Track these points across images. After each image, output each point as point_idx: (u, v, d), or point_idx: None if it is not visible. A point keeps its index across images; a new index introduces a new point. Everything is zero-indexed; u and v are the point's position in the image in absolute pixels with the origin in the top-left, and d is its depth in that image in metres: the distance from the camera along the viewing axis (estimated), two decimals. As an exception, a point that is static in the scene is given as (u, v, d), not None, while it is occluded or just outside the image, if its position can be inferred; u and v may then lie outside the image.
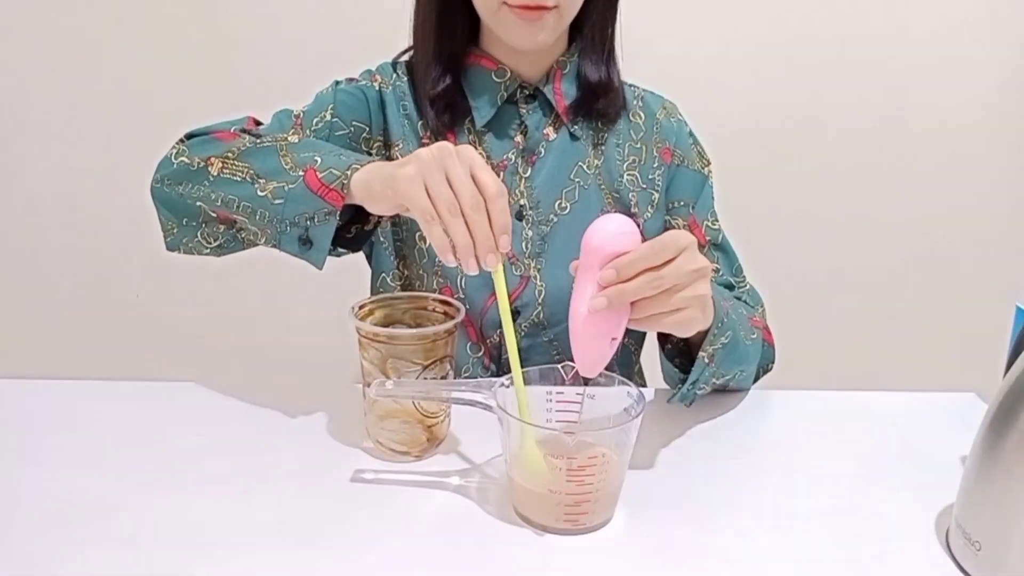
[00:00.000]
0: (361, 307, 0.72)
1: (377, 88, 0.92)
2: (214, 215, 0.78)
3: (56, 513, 0.62)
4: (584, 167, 0.93)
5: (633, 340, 1.00)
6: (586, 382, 0.64)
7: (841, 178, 1.69)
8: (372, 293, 0.96)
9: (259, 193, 0.73)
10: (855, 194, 1.71)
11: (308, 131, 0.87)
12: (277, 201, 0.72)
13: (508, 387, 0.64)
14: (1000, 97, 1.67)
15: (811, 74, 1.62)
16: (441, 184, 0.62)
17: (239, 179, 0.75)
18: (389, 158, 0.91)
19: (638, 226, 0.64)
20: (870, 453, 0.76)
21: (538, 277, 0.90)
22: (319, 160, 0.72)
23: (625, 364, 0.99)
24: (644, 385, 1.01)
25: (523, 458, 0.62)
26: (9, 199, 1.67)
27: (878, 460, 0.74)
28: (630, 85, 0.97)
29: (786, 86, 1.62)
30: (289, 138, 0.79)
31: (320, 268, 0.75)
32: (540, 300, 0.90)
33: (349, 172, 0.70)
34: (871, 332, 1.79)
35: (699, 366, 0.74)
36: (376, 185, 0.68)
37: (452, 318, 0.69)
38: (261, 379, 0.87)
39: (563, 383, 0.67)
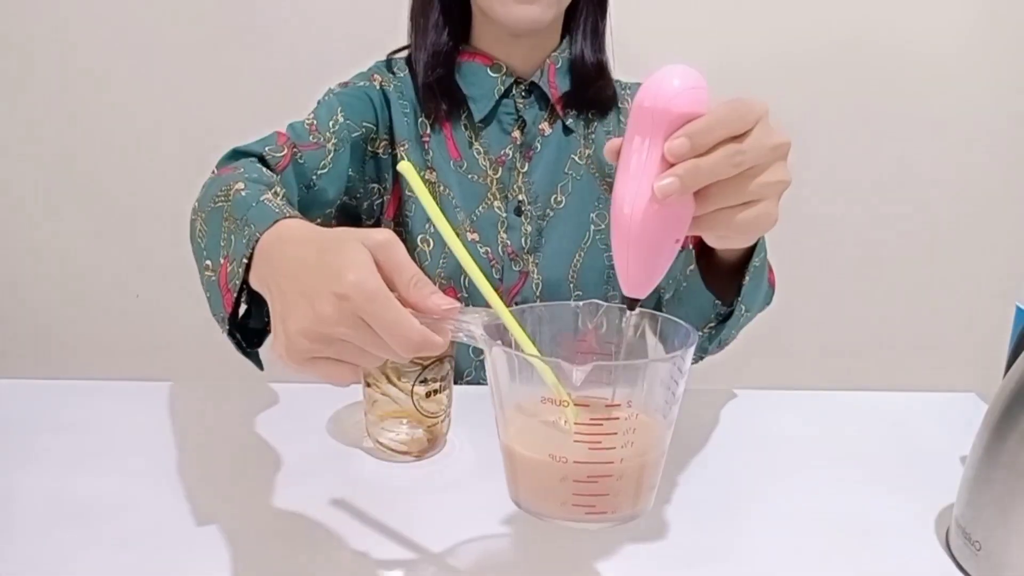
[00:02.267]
0: (361, 307, 0.71)
1: (379, 87, 0.92)
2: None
3: (56, 513, 0.62)
4: (576, 159, 0.93)
5: None
6: (633, 306, 0.48)
7: (840, 177, 1.69)
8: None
9: (203, 277, 0.63)
10: (854, 193, 1.71)
11: (328, 134, 0.86)
12: (207, 294, 0.63)
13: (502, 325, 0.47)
14: (1000, 96, 1.66)
15: (808, 71, 1.62)
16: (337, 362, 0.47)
17: (201, 246, 0.65)
18: (394, 157, 0.92)
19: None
20: (870, 453, 0.75)
21: (535, 272, 0.91)
22: (232, 244, 0.58)
23: None
24: None
25: (517, 406, 0.46)
26: (8, 198, 1.67)
27: (878, 460, 0.74)
28: (617, 80, 0.98)
29: (783, 84, 1.62)
30: (236, 187, 0.65)
31: (261, 369, 0.63)
32: (538, 294, 0.91)
33: (241, 270, 0.56)
34: (871, 332, 1.79)
35: (745, 285, 0.63)
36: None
37: (452, 319, 0.69)
38: (261, 379, 0.87)
39: (584, 331, 0.50)
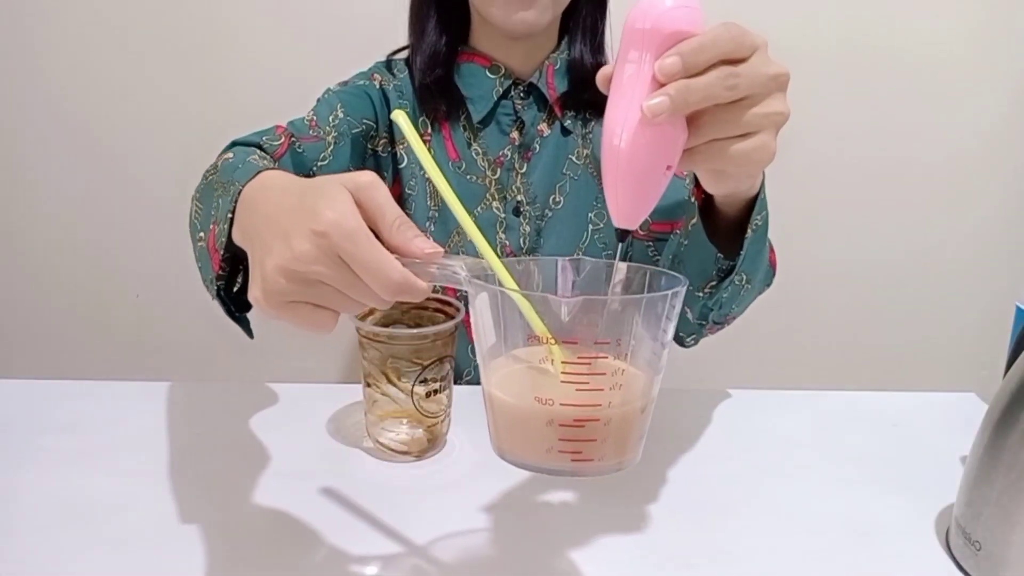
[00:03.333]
0: (361, 307, 0.71)
1: (379, 86, 0.93)
2: None
3: (56, 513, 0.62)
4: (574, 159, 0.94)
5: None
6: (624, 237, 0.46)
7: (840, 177, 1.69)
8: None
9: (195, 249, 0.63)
10: (854, 193, 1.71)
11: (328, 127, 0.86)
12: (198, 264, 0.62)
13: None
14: (1000, 97, 1.66)
15: (809, 71, 1.62)
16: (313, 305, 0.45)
17: (197, 224, 0.65)
18: (394, 155, 0.92)
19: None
20: (870, 453, 0.75)
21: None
22: (220, 207, 0.57)
23: None
24: None
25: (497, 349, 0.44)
26: (9, 199, 1.67)
27: (878, 460, 0.74)
28: None
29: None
30: (224, 157, 0.66)
31: (251, 337, 0.61)
32: None
33: (226, 227, 0.54)
34: (871, 332, 1.79)
35: (746, 245, 0.61)
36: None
37: (452, 318, 0.69)
38: (261, 379, 0.87)
39: (571, 286, 0.49)
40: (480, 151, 0.92)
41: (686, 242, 0.68)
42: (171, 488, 0.66)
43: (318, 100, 0.91)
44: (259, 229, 0.47)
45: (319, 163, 0.85)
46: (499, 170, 0.92)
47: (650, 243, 0.90)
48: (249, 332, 0.61)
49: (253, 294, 0.45)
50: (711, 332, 0.79)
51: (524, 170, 0.92)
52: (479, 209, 0.91)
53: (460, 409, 0.74)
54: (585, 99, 0.94)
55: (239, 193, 0.53)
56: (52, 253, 1.70)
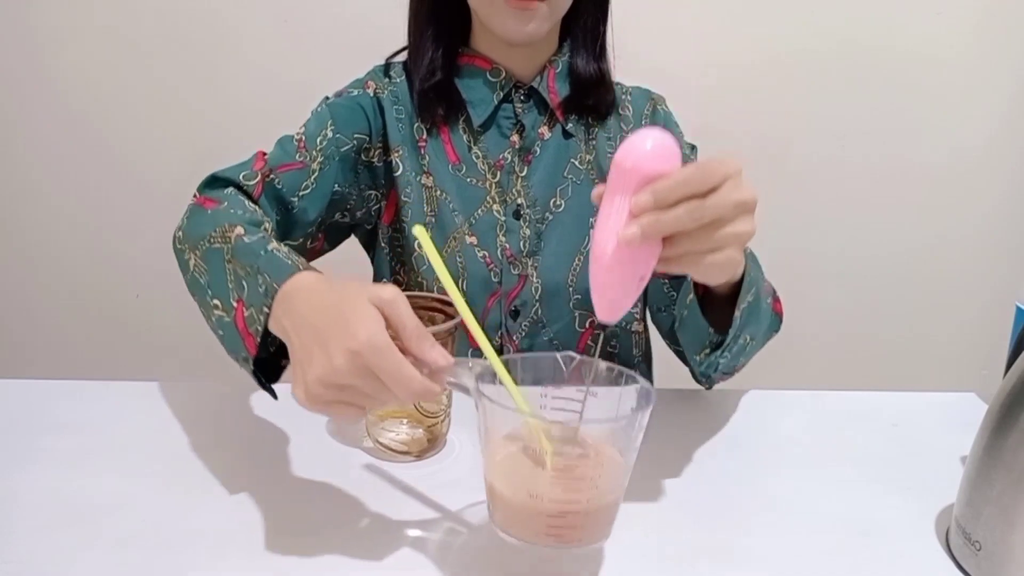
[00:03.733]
0: (361, 307, 0.71)
1: (372, 94, 0.92)
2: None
3: (56, 513, 0.62)
4: (576, 163, 0.93)
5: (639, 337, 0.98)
6: (603, 329, 0.57)
7: (840, 177, 1.69)
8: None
9: (212, 315, 0.68)
10: (854, 193, 1.71)
11: (315, 151, 0.86)
12: (219, 332, 0.67)
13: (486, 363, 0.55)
14: (1000, 97, 1.66)
15: (809, 71, 1.62)
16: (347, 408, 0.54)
17: (202, 283, 0.70)
18: (389, 163, 0.92)
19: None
20: (870, 453, 0.76)
21: (535, 275, 0.91)
22: (246, 289, 0.64)
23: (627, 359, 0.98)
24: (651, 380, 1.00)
25: (500, 450, 0.53)
26: (9, 199, 1.67)
27: (878, 460, 0.74)
28: (617, 83, 0.98)
29: (783, 85, 1.62)
30: (235, 231, 0.69)
31: (275, 398, 0.68)
32: (538, 298, 0.91)
33: (263, 317, 0.61)
34: (871, 332, 1.79)
35: (735, 325, 0.67)
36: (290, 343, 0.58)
37: (452, 318, 0.69)
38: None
39: (561, 379, 0.58)
40: (480, 154, 0.92)
41: (685, 312, 0.73)
42: (171, 488, 0.66)
43: (313, 112, 0.90)
44: (300, 335, 0.55)
45: (300, 192, 0.85)
46: (499, 173, 0.92)
47: (666, 281, 0.91)
48: (274, 395, 0.68)
49: (297, 394, 0.54)
50: (721, 380, 0.81)
51: (524, 173, 0.92)
52: (479, 212, 0.91)
53: (460, 409, 0.74)
54: (588, 105, 0.93)
55: (275, 292, 0.60)
56: (52, 253, 1.70)
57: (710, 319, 0.71)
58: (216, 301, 0.67)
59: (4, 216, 1.68)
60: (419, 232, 0.58)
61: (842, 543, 0.61)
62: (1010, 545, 0.54)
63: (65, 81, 1.60)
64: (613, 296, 0.55)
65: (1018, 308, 0.74)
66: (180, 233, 0.76)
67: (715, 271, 0.56)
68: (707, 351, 0.72)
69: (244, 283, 0.64)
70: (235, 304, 0.65)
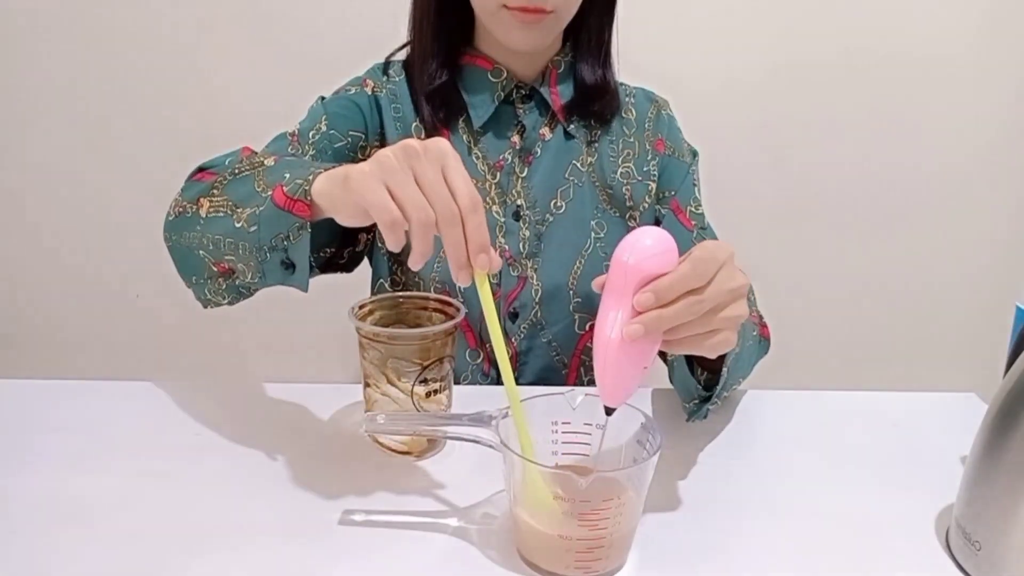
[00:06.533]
0: (361, 307, 0.72)
1: (370, 93, 0.92)
2: (216, 269, 0.74)
3: (56, 513, 0.62)
4: (578, 165, 0.93)
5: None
6: (610, 412, 0.59)
7: (840, 177, 1.69)
8: (372, 295, 0.96)
9: (236, 225, 0.68)
10: (854, 193, 1.71)
11: (307, 146, 0.86)
12: (252, 229, 0.66)
13: (508, 418, 0.59)
14: (1001, 98, 1.66)
15: (810, 73, 1.62)
16: (406, 185, 0.55)
17: (222, 214, 0.70)
18: None
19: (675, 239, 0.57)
20: (870, 453, 0.76)
21: (534, 277, 0.90)
22: (287, 175, 0.65)
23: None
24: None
25: (530, 498, 0.57)
26: (9, 199, 1.67)
27: (878, 460, 0.74)
28: (621, 84, 0.98)
29: (785, 87, 1.62)
30: (266, 162, 0.72)
31: (305, 290, 0.68)
32: (537, 300, 0.90)
33: (311, 178, 0.63)
34: (871, 332, 1.79)
35: (722, 380, 0.71)
36: (335, 189, 0.61)
37: (452, 318, 0.69)
38: (261, 379, 0.87)
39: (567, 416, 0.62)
40: (480, 155, 0.92)
41: (675, 363, 0.75)
42: (170, 488, 0.66)
43: (309, 108, 0.90)
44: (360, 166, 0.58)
45: None
46: (499, 174, 0.91)
47: None
48: (304, 286, 0.68)
49: (365, 165, 0.57)
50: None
51: (524, 174, 0.92)
52: None
53: (460, 409, 0.74)
54: (592, 110, 0.93)
55: (318, 170, 0.63)
56: (52, 253, 1.70)
57: (698, 368, 0.74)
58: (245, 210, 0.67)
59: (4, 216, 1.68)
60: (480, 279, 0.57)
61: (842, 543, 0.61)
62: (1010, 545, 0.54)
63: (64, 81, 1.60)
64: (618, 384, 0.57)
65: (1018, 308, 0.74)
66: (178, 208, 0.75)
67: (712, 350, 0.60)
68: (696, 401, 0.74)
69: (287, 173, 0.66)
70: (271, 192, 0.65)
